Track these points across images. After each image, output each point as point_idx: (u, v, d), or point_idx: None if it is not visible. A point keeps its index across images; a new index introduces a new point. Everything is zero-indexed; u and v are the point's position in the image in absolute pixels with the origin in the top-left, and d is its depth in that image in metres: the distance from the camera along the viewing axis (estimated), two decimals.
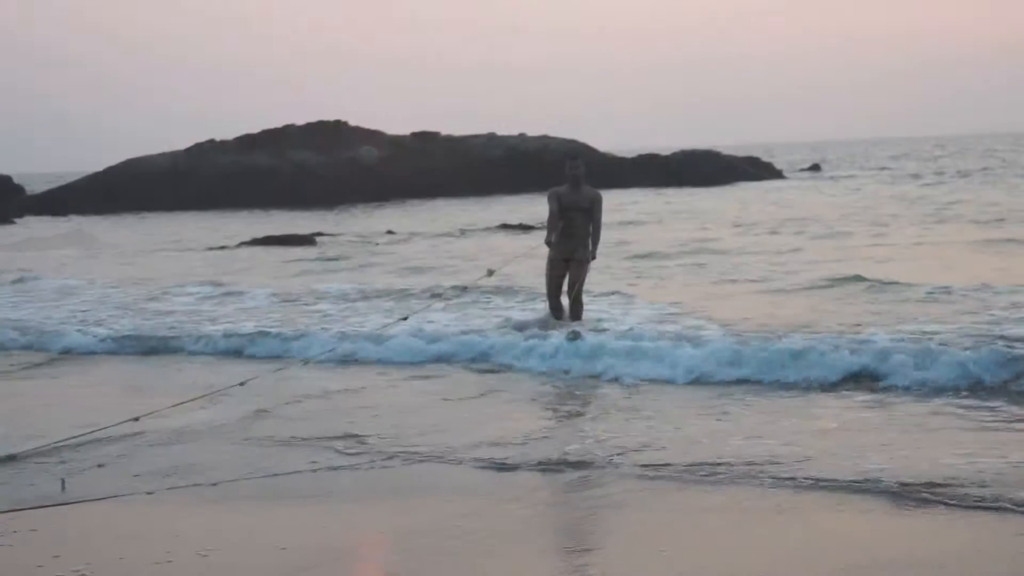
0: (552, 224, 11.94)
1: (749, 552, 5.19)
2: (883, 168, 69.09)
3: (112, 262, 25.65)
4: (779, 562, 5.05)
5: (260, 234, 30.81)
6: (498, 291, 15.20)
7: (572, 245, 11.91)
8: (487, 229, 31.06)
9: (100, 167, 59.15)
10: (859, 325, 11.39)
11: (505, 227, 31.17)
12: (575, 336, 10.83)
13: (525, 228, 30.46)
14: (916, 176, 53.34)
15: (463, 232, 30.74)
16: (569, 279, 12.00)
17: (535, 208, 40.88)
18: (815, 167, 71.77)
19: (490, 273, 12.60)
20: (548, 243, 12.00)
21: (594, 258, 12.16)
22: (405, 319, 12.01)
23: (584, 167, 12.17)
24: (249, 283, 18.40)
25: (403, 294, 16.04)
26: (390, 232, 31.70)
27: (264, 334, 12.50)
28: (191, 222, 42.28)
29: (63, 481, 6.45)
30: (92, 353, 12.50)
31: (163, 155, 57.71)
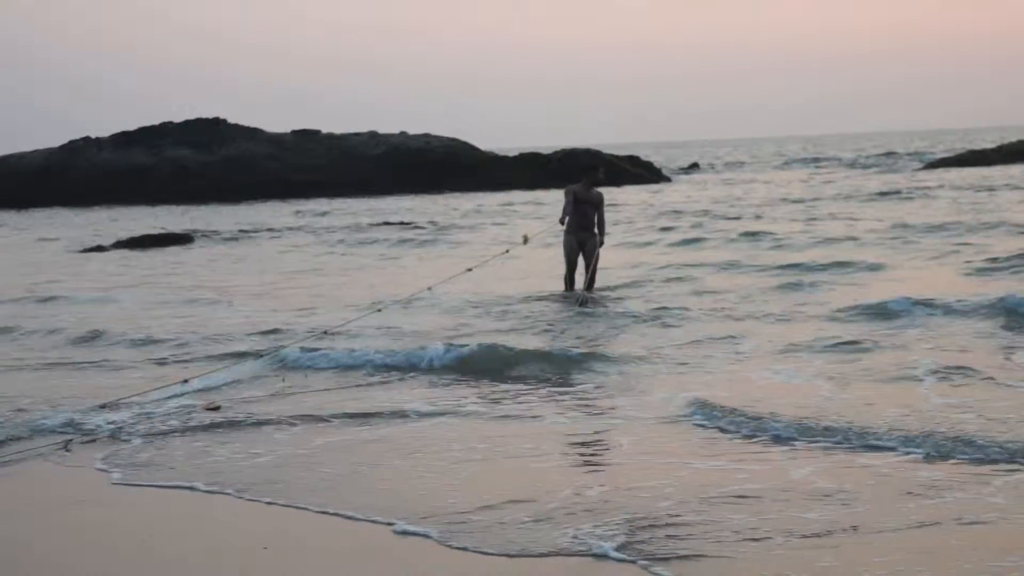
0: (566, 210, 14.94)
1: None
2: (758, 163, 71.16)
3: None
4: None
5: (137, 232, 30.31)
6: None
7: (584, 235, 14.90)
8: (372, 225, 31.00)
9: None
10: None
11: (387, 224, 31.19)
12: (583, 301, 13.73)
13: (405, 224, 30.59)
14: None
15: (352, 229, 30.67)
16: (584, 261, 14.95)
17: (427, 206, 40.92)
18: (694, 165, 73.06)
19: (525, 240, 15.14)
20: (561, 222, 14.99)
21: (602, 244, 15.07)
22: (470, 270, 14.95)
23: (595, 174, 15.09)
24: None
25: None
26: (271, 230, 31.49)
27: None
28: (69, 219, 41.37)
29: (283, 378, 10.08)
30: None
31: (36, 152, 56.43)
